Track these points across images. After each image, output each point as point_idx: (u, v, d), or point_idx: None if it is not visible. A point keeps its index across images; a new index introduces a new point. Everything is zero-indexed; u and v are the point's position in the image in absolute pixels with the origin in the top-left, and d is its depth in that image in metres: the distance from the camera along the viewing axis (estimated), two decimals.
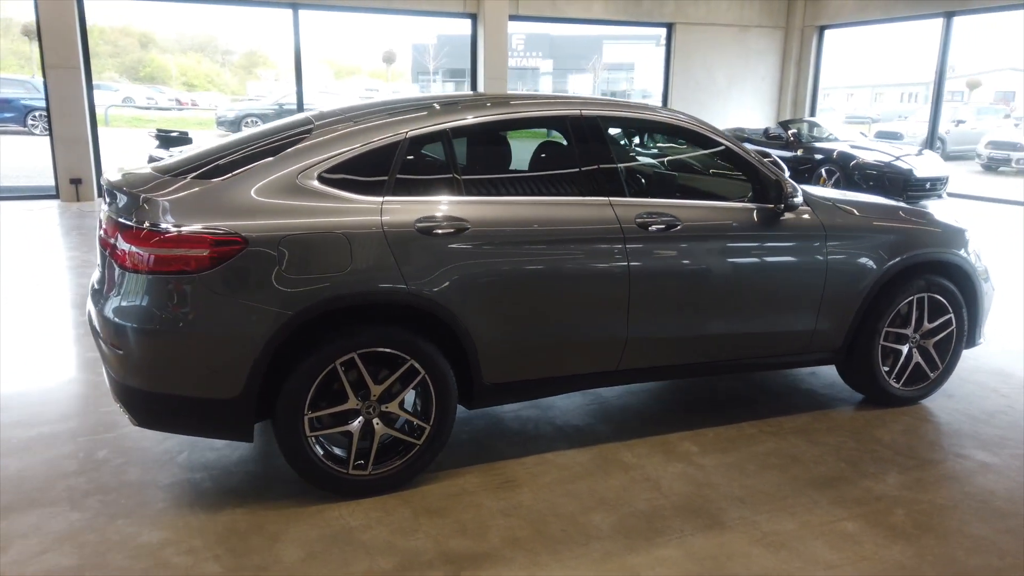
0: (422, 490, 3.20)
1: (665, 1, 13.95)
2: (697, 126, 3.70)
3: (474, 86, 13.35)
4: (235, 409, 2.91)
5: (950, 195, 12.36)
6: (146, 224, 2.84)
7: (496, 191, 3.29)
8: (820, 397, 4.27)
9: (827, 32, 14.79)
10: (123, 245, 2.87)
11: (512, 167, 3.59)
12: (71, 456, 3.46)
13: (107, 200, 3.31)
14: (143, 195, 2.94)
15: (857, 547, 2.84)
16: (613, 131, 4.17)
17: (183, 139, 9.70)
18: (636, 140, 8.69)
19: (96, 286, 3.21)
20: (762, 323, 3.71)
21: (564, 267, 3.29)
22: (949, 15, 12.68)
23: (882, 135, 17.77)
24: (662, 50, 14.77)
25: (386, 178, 3.10)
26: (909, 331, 4.03)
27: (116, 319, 2.89)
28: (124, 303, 2.88)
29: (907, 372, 4.08)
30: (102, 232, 3.19)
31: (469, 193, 3.20)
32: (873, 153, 11.96)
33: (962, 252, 4.05)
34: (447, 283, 3.07)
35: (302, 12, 12.09)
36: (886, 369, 4.03)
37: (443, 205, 3.13)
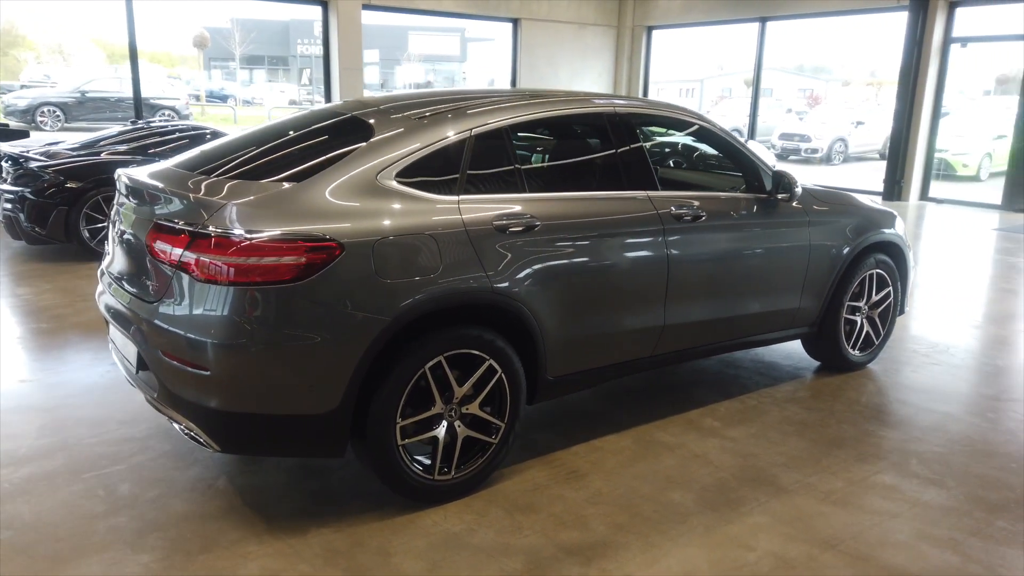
0: (498, 489, 3.19)
1: None
2: (707, 123, 3.95)
3: (327, 77, 12.89)
4: (331, 424, 2.75)
5: None
6: (213, 230, 2.60)
7: (552, 187, 3.33)
8: (786, 368, 4.71)
9: (655, 32, 15.85)
10: (194, 254, 2.61)
11: (559, 162, 3.64)
12: (89, 495, 3.06)
13: (133, 200, 2.99)
14: (209, 199, 2.69)
15: (901, 495, 3.23)
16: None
17: (19, 132, 8.58)
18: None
19: (129, 296, 2.89)
20: (765, 303, 4.05)
21: (616, 259, 3.41)
22: (763, 20, 14.09)
23: None
24: (470, 44, 15.03)
25: (457, 176, 3.05)
26: (861, 303, 4.57)
27: (192, 335, 2.62)
28: (201, 318, 2.62)
29: (860, 340, 4.62)
30: (137, 237, 2.87)
31: (531, 190, 3.22)
32: None
33: (898, 232, 4.64)
34: (522, 280, 3.09)
35: None
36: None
37: (512, 202, 3.13)
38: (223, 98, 34.88)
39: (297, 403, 2.70)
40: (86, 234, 6.90)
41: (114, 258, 3.19)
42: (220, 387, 2.63)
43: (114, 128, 8.72)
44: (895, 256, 4.67)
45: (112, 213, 3.33)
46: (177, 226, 2.68)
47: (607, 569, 2.68)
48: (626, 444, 3.63)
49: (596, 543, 2.84)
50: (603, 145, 3.56)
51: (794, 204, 4.09)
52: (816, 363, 4.76)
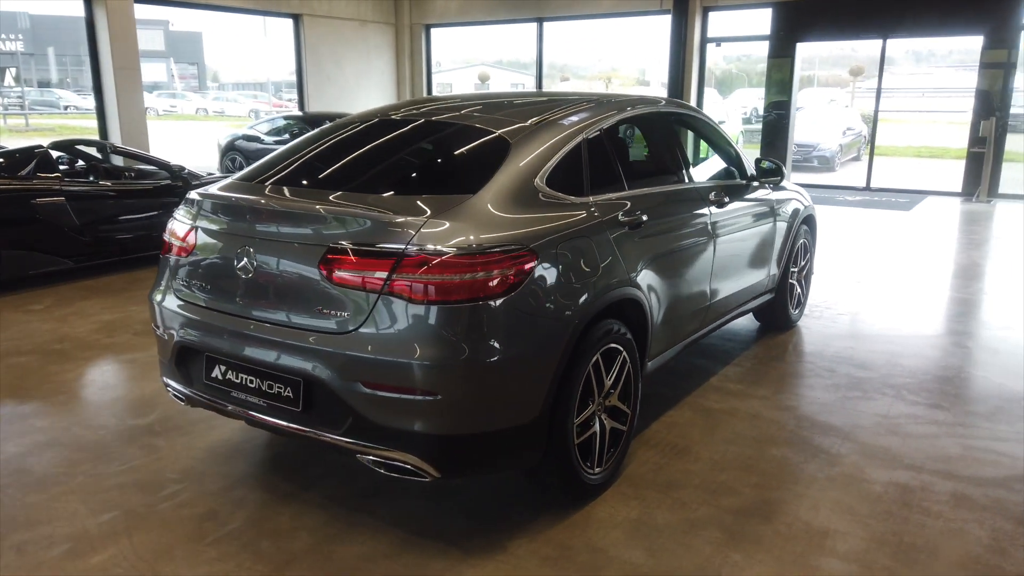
0: (628, 475, 3.31)
1: None
2: (710, 121, 4.37)
3: (97, 79, 11.39)
4: (535, 432, 2.71)
5: None
6: (425, 249, 2.47)
7: (643, 182, 3.51)
8: (743, 333, 5.30)
9: (434, 30, 16.09)
10: (404, 277, 2.44)
11: (645, 159, 3.81)
12: (232, 560, 2.68)
13: (245, 222, 2.72)
14: (403, 217, 2.53)
15: (924, 419, 3.88)
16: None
17: None
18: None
19: (288, 330, 2.60)
20: (757, 275, 4.56)
21: (690, 245, 3.68)
22: (540, 20, 14.99)
23: None
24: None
25: (582, 178, 3.12)
26: (795, 269, 5.29)
27: (414, 361, 2.44)
28: (421, 341, 2.45)
29: (795, 300, 5.35)
30: (285, 263, 2.60)
31: (630, 186, 3.37)
32: None
33: (812, 205, 5.42)
34: (641, 271, 3.24)
35: None
36: None
37: (623, 199, 3.26)
38: None
39: (510, 416, 2.63)
40: None
41: (223, 291, 2.79)
42: (449, 411, 2.48)
43: None
44: (811, 226, 5.45)
45: (187, 238, 2.90)
46: (377, 249, 2.46)
47: (787, 522, 2.96)
48: (689, 416, 3.92)
49: (757, 502, 3.10)
50: (667, 142, 3.81)
51: (767, 188, 4.65)
52: (756, 324, 5.41)
